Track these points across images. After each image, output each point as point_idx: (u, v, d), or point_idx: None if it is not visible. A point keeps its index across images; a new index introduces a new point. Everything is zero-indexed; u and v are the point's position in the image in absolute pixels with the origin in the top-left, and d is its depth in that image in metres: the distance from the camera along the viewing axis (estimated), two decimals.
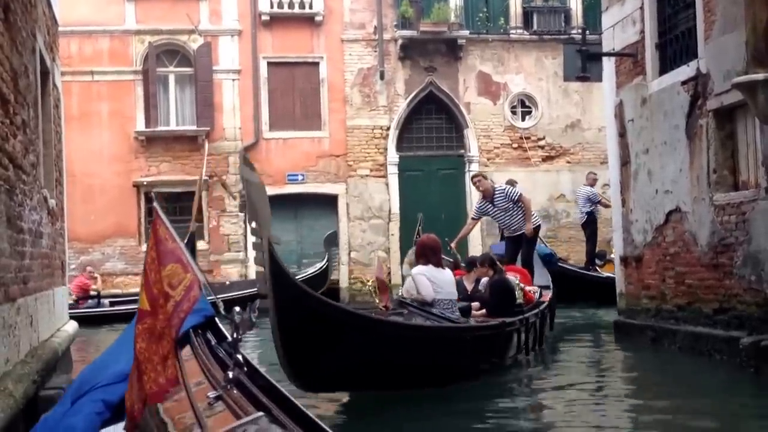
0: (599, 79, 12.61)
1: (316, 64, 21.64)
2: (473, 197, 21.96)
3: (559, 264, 17.52)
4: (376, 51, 21.68)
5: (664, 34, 11.17)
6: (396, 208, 21.51)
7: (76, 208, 17.24)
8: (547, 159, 22.39)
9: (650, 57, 11.34)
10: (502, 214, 12.67)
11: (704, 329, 10.11)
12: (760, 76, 8.34)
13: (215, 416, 2.59)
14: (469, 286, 10.61)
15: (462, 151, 22.20)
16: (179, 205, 20.63)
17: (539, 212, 21.10)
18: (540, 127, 22.41)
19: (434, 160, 22.14)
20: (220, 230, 20.85)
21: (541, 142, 22.40)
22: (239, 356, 2.92)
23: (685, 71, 10.47)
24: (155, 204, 3.00)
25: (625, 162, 12.23)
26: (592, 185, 17.90)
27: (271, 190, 20.92)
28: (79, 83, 19.78)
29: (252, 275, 20.63)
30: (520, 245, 12.94)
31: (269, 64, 21.43)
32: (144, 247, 20.25)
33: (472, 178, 13.59)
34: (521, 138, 22.30)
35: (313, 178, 21.39)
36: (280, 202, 21.04)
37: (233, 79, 21.17)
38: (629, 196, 12.17)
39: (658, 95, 11.15)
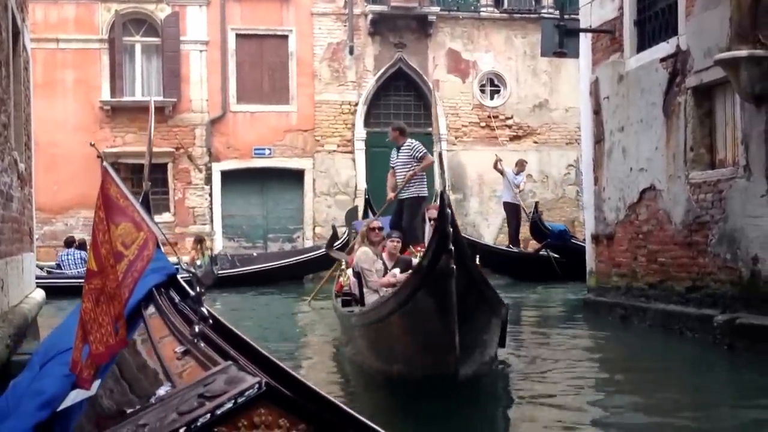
0: (576, 55, 12.57)
1: (285, 37, 21.37)
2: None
3: (572, 241, 17.62)
4: (345, 25, 21.46)
5: (643, 11, 11.16)
6: (363, 184, 21.29)
7: (39, 178, 16.73)
8: (514, 138, 22.36)
9: (628, 34, 11.32)
10: (402, 168, 12.06)
11: (676, 307, 10.16)
12: (743, 52, 8.37)
13: (184, 370, 2.60)
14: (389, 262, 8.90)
15: (430, 128, 22.03)
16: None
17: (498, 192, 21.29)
18: (508, 107, 22.37)
19: None
20: (185, 202, 20.58)
21: (509, 122, 22.37)
22: (204, 310, 2.93)
23: (664, 48, 10.46)
24: (104, 163, 2.92)
25: (599, 140, 12.23)
26: None
27: (237, 164, 20.85)
28: (44, 50, 19.30)
29: (217, 249, 20.45)
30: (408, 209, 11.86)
31: (238, 35, 21.11)
32: None
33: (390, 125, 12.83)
34: (489, 117, 22.24)
35: (280, 152, 21.17)
36: (247, 175, 20.92)
37: (201, 50, 20.85)
38: (602, 174, 12.18)
39: (636, 72, 11.14)
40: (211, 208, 20.69)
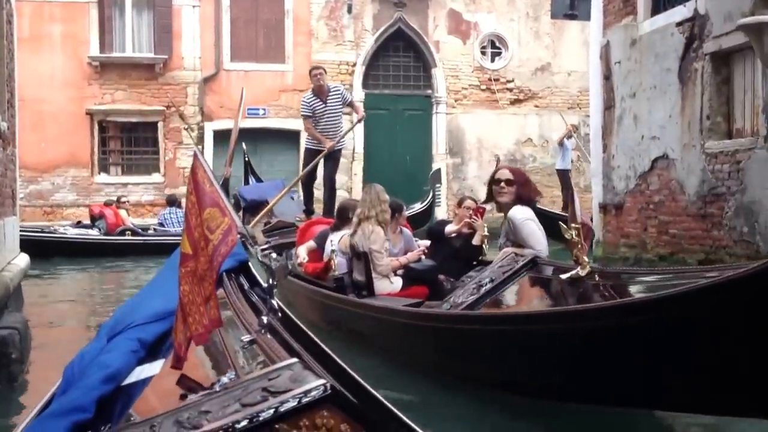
0: (587, 18, 12.08)
1: None
2: (439, 139, 21.49)
3: None
4: None
5: None
6: (360, 147, 20.88)
7: (25, 135, 16.28)
8: (515, 102, 21.87)
9: None
10: (332, 116, 11.32)
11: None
12: None
13: (249, 360, 2.66)
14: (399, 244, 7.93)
15: (429, 91, 21.59)
16: (134, 135, 19.85)
17: (505, 155, 20.82)
18: (509, 69, 21.84)
19: (401, 100, 21.50)
20: (176, 163, 20.02)
21: (510, 85, 21.85)
22: (274, 302, 2.98)
23: (681, 12, 10.00)
24: (195, 148, 2.81)
25: (608, 106, 11.78)
26: None
27: (230, 124, 20.23)
28: (31, 3, 18.57)
29: None
30: (328, 162, 11.71)
31: None
32: (97, 179, 19.50)
33: (313, 69, 11.78)
34: (490, 80, 21.72)
35: (275, 112, 20.64)
36: (240, 136, 20.26)
37: (194, 6, 20.16)
38: (611, 142, 11.74)
39: (650, 36, 10.66)
40: None
